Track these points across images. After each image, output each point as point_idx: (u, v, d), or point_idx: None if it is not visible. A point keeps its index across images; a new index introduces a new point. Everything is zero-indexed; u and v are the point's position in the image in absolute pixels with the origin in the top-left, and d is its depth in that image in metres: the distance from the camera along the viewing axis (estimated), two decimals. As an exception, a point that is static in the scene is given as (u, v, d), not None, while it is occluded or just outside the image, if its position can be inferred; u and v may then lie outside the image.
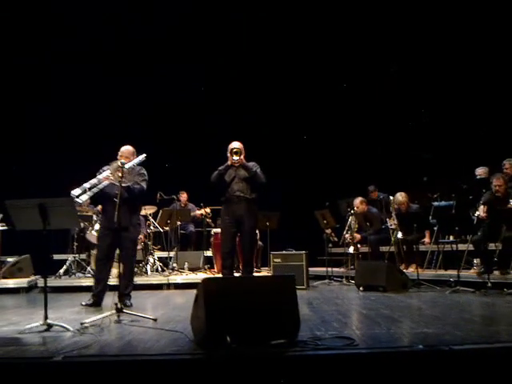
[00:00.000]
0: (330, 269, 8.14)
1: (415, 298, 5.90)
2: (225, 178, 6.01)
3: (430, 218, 7.97)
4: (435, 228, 7.62)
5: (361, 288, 6.71)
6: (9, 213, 4.17)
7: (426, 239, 7.92)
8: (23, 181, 9.55)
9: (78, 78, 9.95)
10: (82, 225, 8.00)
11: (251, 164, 6.07)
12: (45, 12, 9.72)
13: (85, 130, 10.08)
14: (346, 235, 8.25)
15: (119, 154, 5.49)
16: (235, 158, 5.91)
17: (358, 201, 8.40)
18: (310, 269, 7.68)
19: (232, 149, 5.95)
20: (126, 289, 5.37)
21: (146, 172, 5.54)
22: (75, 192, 4.81)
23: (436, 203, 8.36)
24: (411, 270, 7.45)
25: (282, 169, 10.39)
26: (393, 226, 7.89)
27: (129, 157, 5.38)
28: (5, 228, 6.65)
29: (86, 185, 4.97)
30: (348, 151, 10.44)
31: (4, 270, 8.02)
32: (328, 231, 8.45)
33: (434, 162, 9.38)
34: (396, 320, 4.21)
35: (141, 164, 5.46)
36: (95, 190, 5.04)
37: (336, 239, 8.60)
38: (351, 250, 8.15)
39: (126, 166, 4.99)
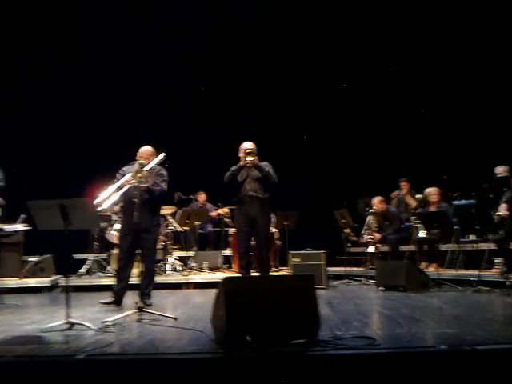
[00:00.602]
0: (349, 268, 8.10)
1: (436, 298, 5.84)
2: (237, 178, 5.99)
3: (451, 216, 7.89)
4: (456, 227, 7.53)
5: (381, 288, 6.67)
6: (31, 213, 4.23)
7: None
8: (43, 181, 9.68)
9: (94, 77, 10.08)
10: (101, 225, 8.09)
11: (263, 164, 6.05)
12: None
13: (106, 129, 10.18)
14: (365, 235, 8.20)
15: (138, 154, 5.51)
16: (249, 158, 5.88)
17: (376, 200, 8.35)
18: (329, 268, 7.65)
19: (246, 150, 5.92)
20: (146, 288, 5.39)
21: (165, 172, 5.55)
22: (99, 200, 4.81)
23: (456, 202, 8.25)
24: (431, 270, 7.38)
25: (301, 168, 10.39)
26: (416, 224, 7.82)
27: (148, 157, 5.38)
28: (27, 228, 6.73)
29: (109, 191, 4.99)
30: (366, 150, 10.38)
31: (26, 269, 8.14)
32: (347, 231, 8.41)
33: (454, 160, 9.28)
34: (417, 320, 4.17)
35: (160, 164, 5.48)
36: (118, 194, 5.04)
37: (355, 238, 8.56)
38: (371, 249, 8.10)
39: (146, 167, 5.02)
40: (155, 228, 5.59)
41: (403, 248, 8.24)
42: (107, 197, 4.90)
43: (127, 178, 5.12)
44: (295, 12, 10.11)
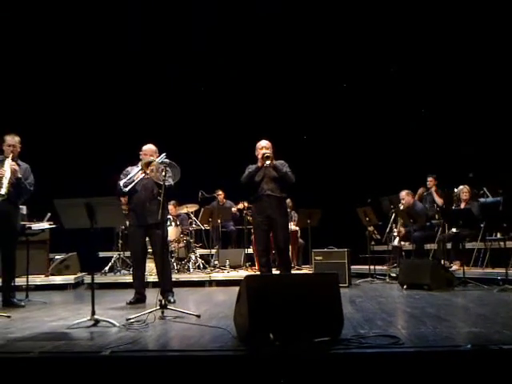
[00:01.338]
0: (372, 267, 8.04)
1: (461, 297, 5.75)
2: (255, 178, 5.97)
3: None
4: (482, 225, 7.41)
5: (404, 286, 6.60)
6: (57, 212, 4.30)
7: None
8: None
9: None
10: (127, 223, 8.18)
11: (280, 163, 6.00)
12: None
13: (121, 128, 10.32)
14: (395, 229, 8.13)
15: (142, 152, 5.59)
16: (267, 162, 5.86)
17: (404, 192, 8.27)
18: (352, 267, 7.62)
19: (264, 154, 5.89)
20: (166, 284, 5.42)
21: (170, 169, 5.59)
22: (122, 182, 5.24)
23: (483, 199, 8.12)
24: (456, 268, 7.28)
25: (324, 166, 10.35)
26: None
27: (152, 155, 5.49)
28: (53, 226, 6.85)
29: (127, 178, 5.36)
30: (390, 148, 10.29)
31: (52, 267, 8.29)
32: (370, 229, 8.34)
33: (479, 157, 9.13)
34: (442, 319, 4.11)
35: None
36: (132, 181, 5.36)
37: (378, 237, 8.49)
38: (396, 242, 8.00)
39: (158, 160, 5.18)
40: (164, 223, 5.61)
41: (428, 246, 8.14)
42: (127, 182, 5.24)
43: (138, 170, 5.24)
44: (295, 12, 10.12)
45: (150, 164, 5.23)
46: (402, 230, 8.05)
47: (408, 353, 2.95)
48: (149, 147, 5.63)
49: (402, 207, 8.11)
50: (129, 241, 5.89)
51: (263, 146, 5.94)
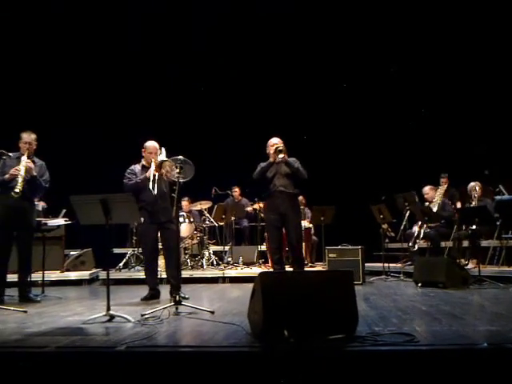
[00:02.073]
0: (386, 264, 8.00)
1: (477, 295, 5.70)
2: (267, 174, 5.95)
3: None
4: (498, 222, 7.33)
5: (419, 284, 6.55)
6: (73, 208, 4.33)
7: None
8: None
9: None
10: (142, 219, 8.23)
11: (292, 160, 5.99)
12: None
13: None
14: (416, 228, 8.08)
15: (146, 150, 5.57)
16: (280, 156, 5.84)
17: (428, 187, 8.22)
18: (366, 264, 7.58)
19: (276, 148, 5.87)
20: (178, 280, 5.41)
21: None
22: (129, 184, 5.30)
23: (498, 197, 8.04)
24: (471, 266, 7.21)
25: (338, 163, 10.32)
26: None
27: (156, 152, 5.49)
28: (68, 222, 6.91)
29: (137, 180, 5.40)
30: (405, 145, 10.22)
31: (67, 262, 8.37)
32: (384, 226, 8.30)
33: (495, 154, 9.04)
34: (457, 317, 4.08)
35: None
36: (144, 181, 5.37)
37: (393, 234, 8.44)
38: (415, 228, 7.94)
39: (160, 156, 5.23)
40: (177, 220, 5.61)
41: (443, 244, 8.07)
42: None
43: (152, 169, 5.27)
44: (295, 12, 10.14)
45: (163, 164, 5.20)
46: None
47: (423, 351, 2.93)
48: (152, 144, 5.57)
49: (428, 203, 8.05)
50: (141, 238, 5.91)
51: (275, 143, 5.94)
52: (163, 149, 5.43)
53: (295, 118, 10.39)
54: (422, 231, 7.83)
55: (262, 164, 5.96)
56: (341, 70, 10.54)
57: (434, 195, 8.13)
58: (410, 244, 8.01)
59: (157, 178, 5.41)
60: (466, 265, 7.32)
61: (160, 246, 5.84)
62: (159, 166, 5.22)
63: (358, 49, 10.26)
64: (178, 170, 4.90)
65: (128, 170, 5.61)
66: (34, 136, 5.68)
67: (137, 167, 5.63)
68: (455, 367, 2.80)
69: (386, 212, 7.99)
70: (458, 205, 8.50)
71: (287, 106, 10.50)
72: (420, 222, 7.93)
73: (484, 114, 9.58)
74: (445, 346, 3.01)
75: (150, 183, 5.34)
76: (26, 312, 4.72)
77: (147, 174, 5.39)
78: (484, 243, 7.66)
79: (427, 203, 8.15)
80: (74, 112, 10.32)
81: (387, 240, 8.46)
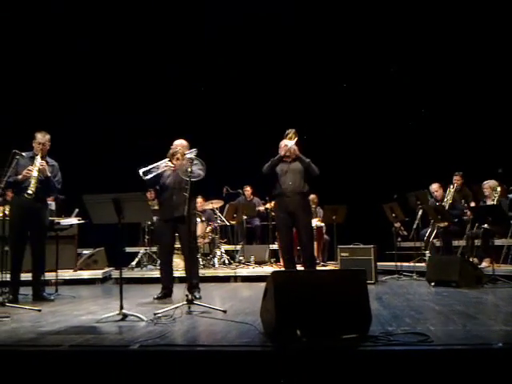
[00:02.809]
0: (399, 263, 7.95)
1: (491, 295, 5.64)
2: (277, 172, 5.92)
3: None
4: (512, 221, 7.26)
5: (432, 283, 6.51)
6: (86, 207, 4.36)
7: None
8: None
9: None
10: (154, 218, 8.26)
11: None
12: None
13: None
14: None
15: (172, 147, 5.56)
16: (289, 142, 5.77)
17: (436, 185, 8.19)
18: (378, 263, 7.53)
19: (287, 133, 5.85)
20: (193, 279, 5.40)
21: (202, 162, 5.54)
22: (141, 170, 5.22)
23: (512, 195, 7.96)
24: (485, 265, 7.15)
25: (350, 161, 10.28)
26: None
27: (183, 150, 5.48)
28: (81, 222, 6.95)
29: (150, 166, 5.32)
30: (417, 143, 10.16)
31: (80, 261, 8.42)
32: (397, 225, 8.24)
33: (509, 152, 8.95)
34: (471, 317, 4.04)
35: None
36: (156, 171, 5.37)
37: (405, 233, 8.39)
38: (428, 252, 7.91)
39: (187, 153, 5.21)
40: (192, 218, 5.59)
41: (456, 243, 8.01)
42: (148, 171, 5.25)
43: (165, 162, 5.26)
44: (295, 12, 10.14)
45: (176, 154, 5.21)
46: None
47: (437, 351, 2.90)
48: (180, 142, 5.60)
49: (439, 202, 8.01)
50: (157, 235, 5.90)
51: (286, 144, 5.92)
52: (194, 149, 5.42)
53: (307, 116, 10.35)
54: (435, 230, 7.78)
55: (273, 158, 5.95)
56: (351, 67, 10.50)
57: (442, 195, 8.08)
58: (423, 247, 7.97)
59: (174, 172, 5.40)
60: (479, 264, 7.26)
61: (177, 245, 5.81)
62: (172, 155, 5.18)
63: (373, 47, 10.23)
64: (189, 169, 4.92)
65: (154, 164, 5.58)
66: (48, 137, 5.72)
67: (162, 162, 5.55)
68: (470, 367, 2.77)
69: (399, 211, 7.95)
70: (472, 204, 8.42)
71: (298, 105, 10.46)
72: (433, 221, 7.87)
73: (498, 110, 9.48)
74: (459, 346, 2.98)
75: (168, 179, 5.34)
76: (40, 311, 4.76)
77: (160, 164, 5.40)
78: (497, 242, 7.59)
79: (433, 200, 8.10)
80: (91, 111, 10.39)
81: (400, 239, 8.40)
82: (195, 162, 5.50)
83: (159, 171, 5.42)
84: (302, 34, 10.29)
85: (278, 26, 10.20)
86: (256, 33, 10.23)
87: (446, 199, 8.03)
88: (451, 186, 8.33)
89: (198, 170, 5.43)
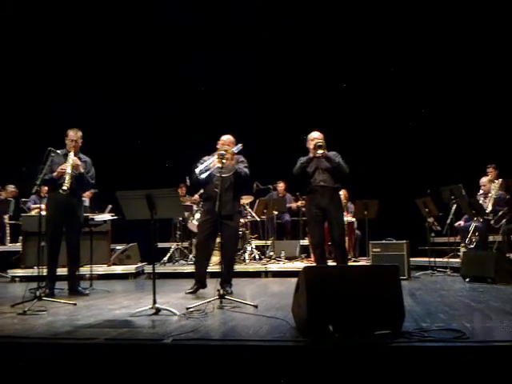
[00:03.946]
0: (432, 259, 7.82)
1: (529, 291, 5.51)
2: (307, 169, 5.90)
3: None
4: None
5: (467, 279, 6.39)
6: (120, 204, 4.42)
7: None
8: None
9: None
10: (185, 214, 8.33)
11: (332, 154, 5.91)
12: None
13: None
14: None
15: (220, 142, 5.59)
16: (320, 151, 5.77)
17: (486, 179, 8.03)
18: (411, 259, 7.43)
19: (316, 143, 5.81)
20: (227, 276, 5.46)
21: (245, 160, 5.63)
22: (197, 169, 5.31)
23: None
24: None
25: (382, 155, 10.15)
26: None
27: (230, 145, 5.49)
28: (114, 218, 7.06)
29: (203, 165, 5.39)
30: (448, 138, 9.97)
31: (114, 257, 8.57)
32: (430, 220, 8.10)
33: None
34: (509, 313, 3.95)
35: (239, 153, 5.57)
36: (208, 169, 5.38)
37: (439, 228, 8.23)
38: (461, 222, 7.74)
39: (234, 149, 5.25)
40: (236, 215, 5.64)
41: (491, 238, 7.83)
42: (203, 170, 5.29)
43: (214, 159, 5.25)
44: (296, 13, 10.06)
45: (225, 154, 5.14)
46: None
47: (474, 347, 2.84)
48: (228, 138, 5.60)
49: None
50: (198, 230, 5.91)
51: (315, 137, 5.89)
52: (240, 144, 5.47)
53: (337, 111, 10.27)
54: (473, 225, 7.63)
55: (302, 159, 5.92)
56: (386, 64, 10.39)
57: (490, 188, 7.89)
58: (467, 242, 7.80)
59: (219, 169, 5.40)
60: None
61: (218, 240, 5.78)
62: (221, 155, 5.19)
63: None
64: (219, 165, 4.93)
65: (200, 160, 5.57)
66: (80, 134, 5.82)
67: (210, 158, 5.51)
68: (508, 365, 2.71)
69: (432, 205, 7.81)
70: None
71: (329, 100, 10.40)
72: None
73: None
74: (496, 342, 2.92)
75: (215, 177, 5.35)
76: (75, 305, 4.86)
77: (208, 159, 5.43)
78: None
79: (478, 195, 7.94)
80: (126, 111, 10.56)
81: (433, 234, 8.25)
82: (241, 159, 5.55)
83: (210, 171, 5.38)
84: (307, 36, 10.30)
85: (278, 26, 10.25)
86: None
87: (490, 194, 7.84)
88: (496, 182, 8.13)
89: (244, 168, 5.46)
